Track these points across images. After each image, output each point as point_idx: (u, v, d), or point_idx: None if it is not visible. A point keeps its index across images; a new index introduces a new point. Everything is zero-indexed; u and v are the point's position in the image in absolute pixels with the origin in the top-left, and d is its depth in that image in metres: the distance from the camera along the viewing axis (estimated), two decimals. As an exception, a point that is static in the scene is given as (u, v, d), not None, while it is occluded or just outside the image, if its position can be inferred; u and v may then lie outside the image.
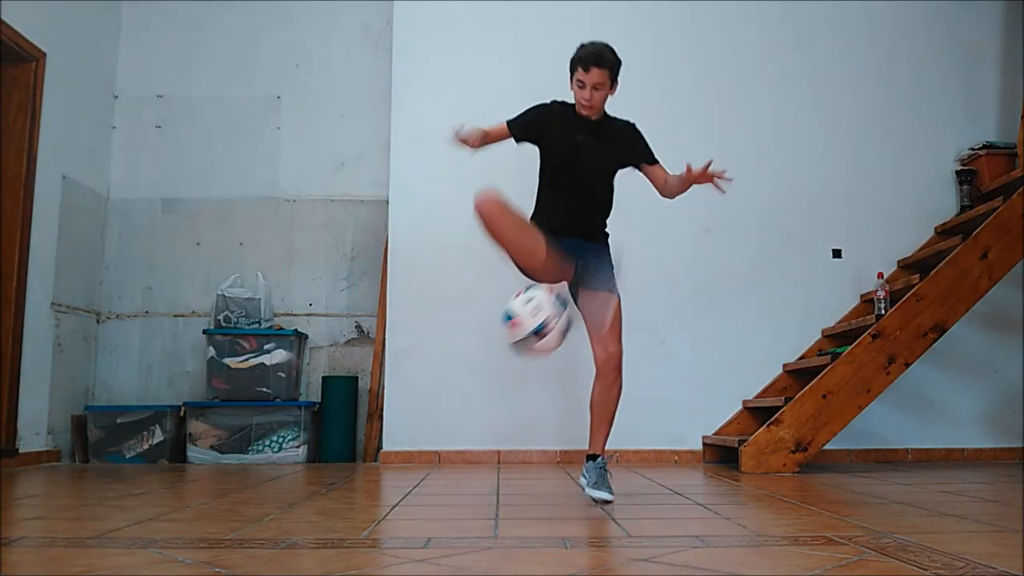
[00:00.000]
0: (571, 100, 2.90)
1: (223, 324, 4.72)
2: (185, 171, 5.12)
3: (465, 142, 2.80)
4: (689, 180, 2.75)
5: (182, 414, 4.62)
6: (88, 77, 4.92)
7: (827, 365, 3.94)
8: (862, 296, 4.64)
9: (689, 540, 1.97)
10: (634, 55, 4.78)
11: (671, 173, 2.92)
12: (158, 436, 4.58)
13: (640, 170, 2.97)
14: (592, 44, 2.80)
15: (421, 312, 4.58)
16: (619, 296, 2.83)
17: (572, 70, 2.82)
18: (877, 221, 4.75)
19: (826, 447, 4.04)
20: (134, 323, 5.00)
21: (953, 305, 3.95)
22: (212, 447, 4.56)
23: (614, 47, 2.83)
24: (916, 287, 3.98)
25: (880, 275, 4.35)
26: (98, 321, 4.98)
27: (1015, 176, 4.39)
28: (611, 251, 2.95)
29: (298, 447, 4.58)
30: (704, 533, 2.07)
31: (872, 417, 4.36)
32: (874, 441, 4.55)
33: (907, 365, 3.94)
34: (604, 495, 2.65)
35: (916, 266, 4.55)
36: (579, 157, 2.85)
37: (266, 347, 4.67)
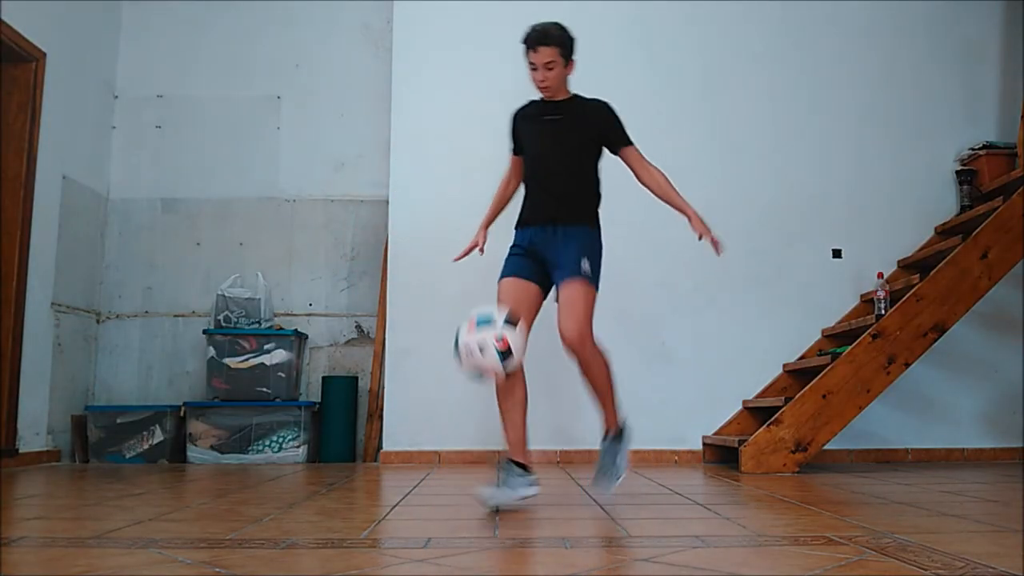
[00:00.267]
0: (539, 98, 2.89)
1: (223, 324, 4.72)
2: (185, 171, 5.12)
3: (474, 241, 3.04)
4: (692, 226, 2.85)
5: (182, 414, 4.62)
6: (88, 77, 4.92)
7: (827, 365, 3.93)
8: (862, 296, 4.64)
9: (689, 540, 1.97)
10: (634, 55, 4.83)
11: (656, 167, 2.89)
12: (158, 436, 4.58)
13: (615, 153, 2.88)
14: (539, 23, 2.77)
15: (421, 312, 4.58)
16: (587, 277, 2.73)
17: (525, 53, 2.78)
18: (877, 221, 4.75)
19: (826, 447, 4.04)
20: (134, 323, 5.00)
21: (953, 305, 3.95)
22: (212, 447, 4.56)
23: (563, 25, 2.78)
24: (916, 287, 3.98)
25: (880, 275, 4.35)
26: (98, 321, 4.98)
27: (1015, 176, 4.39)
28: (591, 236, 2.83)
29: (298, 447, 4.58)
30: (704, 533, 2.07)
31: (872, 417, 4.36)
32: (874, 441, 4.55)
33: (907, 365, 3.94)
34: (604, 485, 2.70)
35: (916, 266, 4.55)
36: (547, 135, 2.83)
37: (266, 347, 4.67)
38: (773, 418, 3.88)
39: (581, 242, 2.78)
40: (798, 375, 4.45)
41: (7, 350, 4.15)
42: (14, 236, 4.22)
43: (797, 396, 3.92)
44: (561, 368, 4.51)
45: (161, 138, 5.16)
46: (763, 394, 4.51)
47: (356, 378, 4.88)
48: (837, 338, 4.52)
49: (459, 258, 3.07)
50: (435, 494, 3.10)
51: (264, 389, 4.62)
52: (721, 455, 4.42)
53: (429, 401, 4.52)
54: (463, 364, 2.54)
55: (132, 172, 5.12)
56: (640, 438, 4.54)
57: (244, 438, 4.57)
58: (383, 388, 4.65)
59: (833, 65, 4.87)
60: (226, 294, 4.76)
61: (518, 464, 2.68)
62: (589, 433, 4.50)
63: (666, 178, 2.89)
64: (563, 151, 2.83)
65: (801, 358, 4.55)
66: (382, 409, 4.62)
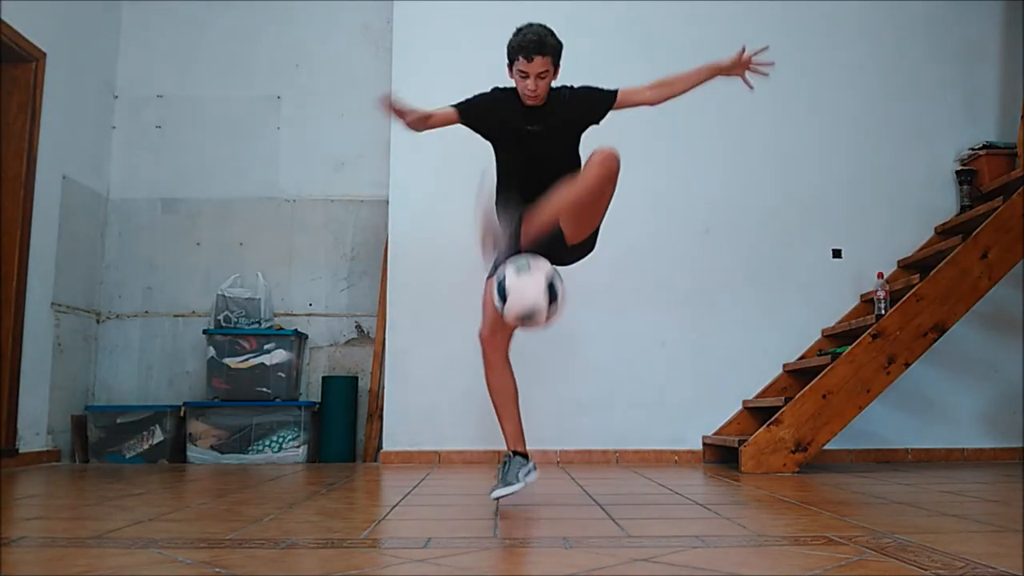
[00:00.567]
0: (510, 84, 2.77)
1: (223, 324, 4.72)
2: (185, 171, 5.12)
3: (401, 115, 2.65)
4: (727, 71, 2.69)
5: (182, 414, 4.62)
6: (88, 77, 4.92)
7: (827, 365, 3.93)
8: (862, 296, 4.64)
9: (689, 540, 1.97)
10: (633, 55, 4.82)
11: (646, 86, 2.80)
12: (158, 436, 4.58)
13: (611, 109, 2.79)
14: (531, 29, 2.63)
15: (421, 312, 4.58)
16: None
17: (511, 59, 2.65)
18: (877, 221, 4.75)
19: (826, 447, 4.04)
20: (134, 323, 5.00)
21: (953, 305, 3.95)
22: (212, 447, 4.56)
23: (552, 28, 2.66)
24: (916, 287, 3.98)
25: (880, 275, 4.35)
26: (98, 321, 4.98)
27: (1015, 176, 4.39)
28: None
29: (298, 447, 4.58)
30: (704, 533, 2.07)
31: (872, 417, 4.36)
32: (874, 441, 4.55)
33: (907, 365, 3.94)
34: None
35: (916, 266, 4.55)
36: (528, 148, 2.70)
37: (266, 347, 4.67)
38: (773, 418, 3.88)
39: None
40: (798, 375, 4.45)
41: (7, 350, 4.15)
42: (14, 236, 4.22)
43: (797, 396, 3.92)
44: (561, 368, 4.52)
45: (161, 138, 5.16)
46: (763, 394, 4.51)
47: (356, 378, 4.88)
48: (837, 338, 4.52)
49: (385, 106, 2.68)
50: (435, 494, 3.10)
51: (264, 389, 4.62)
52: (721, 455, 4.42)
53: (429, 401, 4.52)
54: (513, 308, 2.40)
55: (132, 172, 5.12)
56: (640, 438, 4.59)
57: (244, 438, 4.57)
58: (383, 388, 4.65)
59: (833, 65, 4.87)
60: (226, 294, 4.76)
61: (519, 454, 2.68)
62: (589, 433, 4.52)
63: (665, 80, 2.80)
64: (550, 155, 2.72)
65: (801, 358, 4.55)
66: (382, 409, 4.62)
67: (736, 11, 4.87)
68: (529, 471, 2.64)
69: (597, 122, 2.80)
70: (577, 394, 4.53)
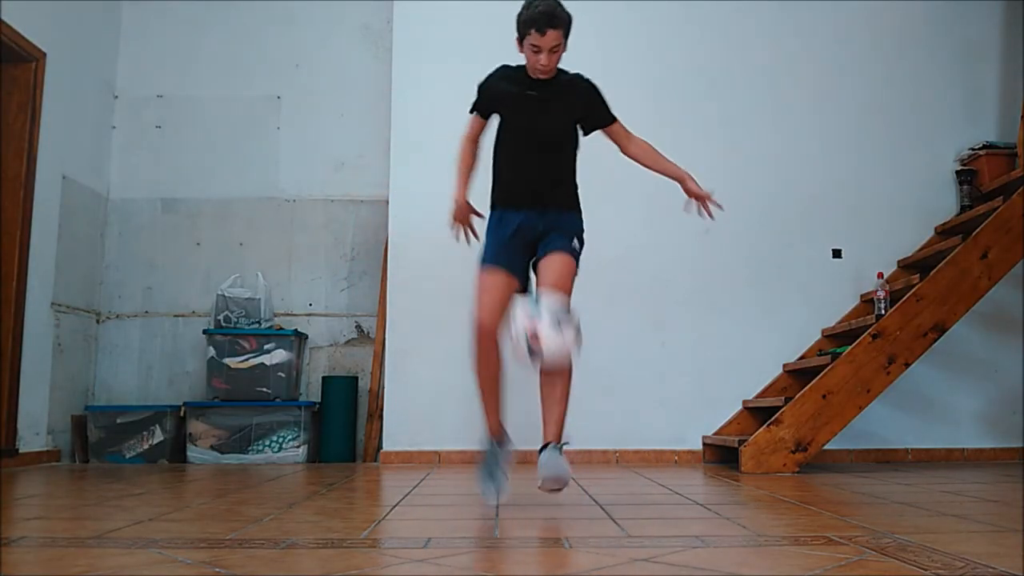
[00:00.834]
0: (516, 63, 2.78)
1: (223, 324, 4.72)
2: (185, 171, 5.12)
3: (461, 214, 2.83)
4: (685, 189, 2.81)
5: (182, 414, 4.62)
6: (88, 77, 4.92)
7: (827, 365, 3.93)
8: (862, 296, 4.64)
9: (689, 540, 1.97)
10: (633, 55, 4.83)
11: (639, 138, 2.85)
12: (158, 436, 4.58)
13: (598, 128, 2.83)
14: (543, 3, 2.58)
15: (421, 312, 4.58)
16: (574, 256, 2.70)
17: (522, 33, 2.61)
18: (877, 221, 4.75)
19: (826, 447, 4.04)
20: (134, 323, 5.00)
21: (953, 305, 3.95)
22: (212, 447, 4.56)
23: (559, 1, 2.63)
24: (916, 287, 3.98)
25: (880, 275, 4.35)
26: (98, 321, 4.98)
27: (1015, 176, 4.39)
28: (581, 223, 2.80)
29: (298, 447, 4.58)
30: (704, 533, 2.07)
31: (872, 417, 4.36)
32: (874, 441, 4.55)
33: (907, 365, 3.94)
34: (553, 473, 2.54)
35: (916, 266, 4.55)
36: (534, 114, 2.71)
37: (266, 347, 4.67)
38: (773, 418, 3.88)
39: (573, 225, 2.78)
40: (798, 375, 4.45)
41: (7, 350, 4.15)
42: (14, 236, 4.22)
43: (797, 396, 3.92)
44: (561, 368, 4.52)
45: (161, 138, 5.16)
46: (763, 394, 4.51)
47: (356, 378, 4.88)
48: (837, 338, 4.52)
49: (467, 233, 2.91)
50: (435, 494, 3.10)
51: (264, 389, 4.62)
52: (721, 455, 4.42)
53: (429, 401, 4.52)
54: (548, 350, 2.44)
55: (132, 172, 5.12)
56: (640, 438, 4.58)
57: (244, 438, 4.57)
58: (383, 388, 4.65)
59: (833, 65, 4.87)
60: (226, 294, 4.76)
61: (499, 443, 2.73)
62: (589, 433, 4.51)
63: (652, 147, 2.85)
64: (552, 131, 2.74)
65: (801, 358, 4.55)
66: (382, 409, 4.62)
67: (736, 11, 4.87)
68: (508, 457, 2.74)
69: (585, 131, 2.82)
70: (577, 394, 4.49)
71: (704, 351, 4.61)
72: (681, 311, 4.64)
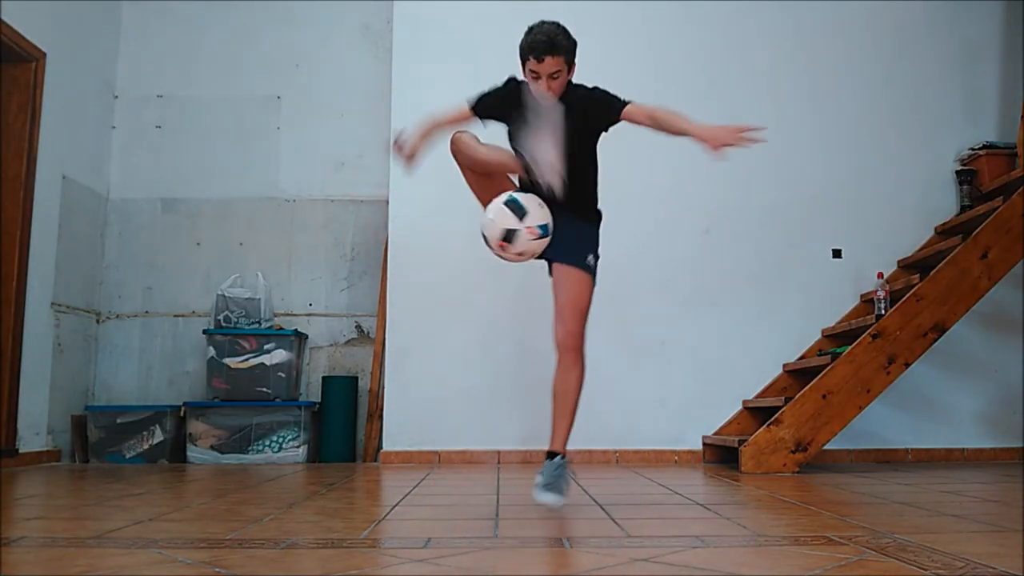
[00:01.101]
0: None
1: (223, 324, 4.72)
2: (185, 171, 5.12)
3: (411, 151, 2.74)
4: (709, 144, 2.71)
5: (182, 414, 4.62)
6: (88, 77, 4.92)
7: (827, 365, 3.93)
8: (862, 296, 4.64)
9: (689, 540, 1.97)
10: (633, 55, 4.83)
11: (651, 107, 2.73)
12: (158, 436, 4.58)
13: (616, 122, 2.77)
14: (541, 28, 2.55)
15: (421, 312, 4.58)
16: (590, 273, 2.69)
17: (523, 59, 2.59)
18: (877, 221, 4.75)
19: (826, 447, 4.04)
20: (134, 323, 5.00)
21: (953, 305, 3.95)
22: (212, 447, 4.56)
23: (565, 27, 2.60)
24: (916, 287, 3.98)
25: (880, 275, 4.35)
26: (98, 321, 4.98)
27: (1015, 176, 4.39)
28: (597, 235, 2.79)
29: (298, 447, 4.58)
30: (704, 533, 2.07)
31: (872, 417, 4.36)
32: (874, 441, 4.55)
33: (907, 365, 3.94)
34: (550, 498, 2.49)
35: (916, 266, 4.55)
36: (543, 142, 2.66)
37: (266, 347, 4.67)
38: (773, 418, 3.88)
39: (589, 235, 2.76)
40: (798, 375, 4.45)
41: (7, 350, 4.15)
42: (14, 236, 4.22)
43: (797, 396, 3.92)
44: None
45: (161, 138, 5.16)
46: (763, 394, 4.51)
47: (356, 378, 4.88)
48: (837, 338, 4.52)
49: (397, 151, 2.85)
50: (435, 494, 3.10)
51: (264, 389, 4.62)
52: (721, 455, 4.42)
53: (429, 401, 4.52)
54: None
55: (132, 172, 5.12)
56: (640, 438, 4.58)
57: (244, 438, 4.57)
58: (383, 388, 4.65)
59: (833, 65, 4.87)
60: (226, 294, 4.76)
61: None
62: (589, 433, 4.51)
63: (670, 113, 2.74)
64: (571, 153, 2.68)
65: (801, 358, 4.55)
66: (382, 409, 4.62)
67: (736, 11, 4.87)
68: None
69: (605, 129, 2.77)
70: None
71: (704, 351, 4.61)
72: (681, 311, 4.64)
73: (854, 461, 4.50)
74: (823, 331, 4.62)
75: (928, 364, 4.39)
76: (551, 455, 2.63)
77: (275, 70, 5.20)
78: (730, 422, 4.51)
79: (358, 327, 5.03)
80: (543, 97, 2.64)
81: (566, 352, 2.67)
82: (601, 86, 2.79)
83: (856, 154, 4.81)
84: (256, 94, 5.19)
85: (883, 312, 4.07)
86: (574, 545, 1.94)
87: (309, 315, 5.02)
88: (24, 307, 4.26)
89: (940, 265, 4.00)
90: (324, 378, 4.81)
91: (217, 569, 1.63)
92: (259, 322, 4.75)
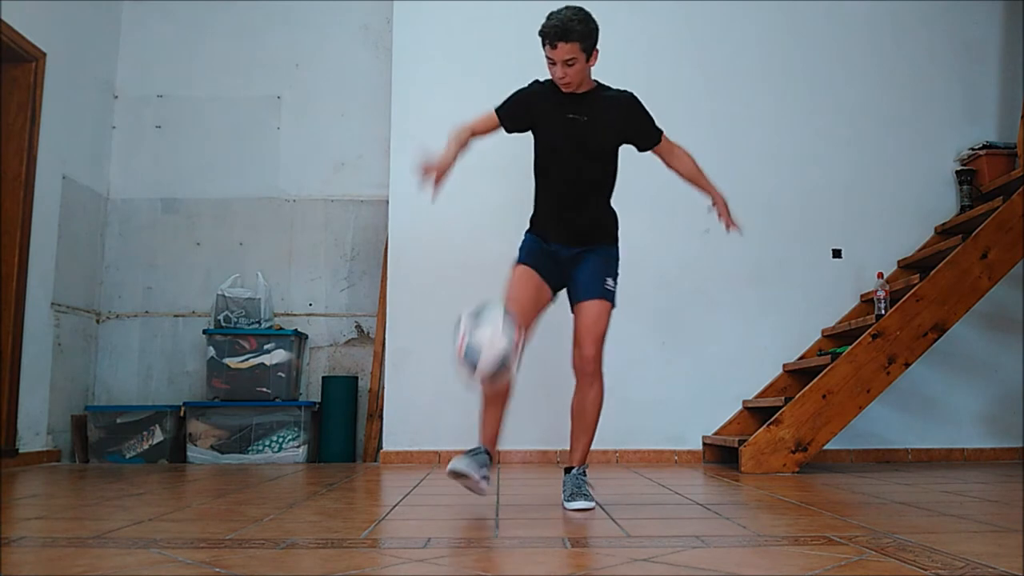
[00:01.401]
0: (546, 77, 2.71)
1: (223, 324, 4.72)
2: (185, 171, 5.12)
3: (436, 170, 2.61)
4: (714, 202, 2.85)
5: (182, 414, 4.62)
6: (88, 77, 4.92)
7: (827, 365, 3.93)
8: (862, 296, 4.64)
9: (689, 540, 1.97)
10: (633, 55, 4.82)
11: (680, 150, 2.83)
12: (158, 436, 4.58)
13: (646, 150, 2.81)
14: (558, 14, 2.51)
15: (421, 312, 4.58)
16: (609, 298, 2.69)
17: (542, 44, 2.55)
18: (877, 221, 4.75)
19: (826, 447, 4.04)
20: (134, 323, 5.00)
21: (953, 305, 3.95)
22: (212, 447, 4.56)
23: (587, 13, 2.55)
24: (916, 287, 3.98)
25: (880, 275, 4.35)
26: (98, 321, 4.98)
27: (1015, 176, 4.39)
28: (616, 255, 2.78)
29: (298, 447, 4.58)
30: (704, 533, 2.07)
31: (872, 417, 4.37)
32: (874, 441, 4.55)
33: (907, 365, 3.94)
34: (580, 504, 2.55)
35: (916, 266, 4.55)
36: (570, 138, 2.62)
37: (266, 347, 4.67)
38: (773, 418, 3.88)
39: (607, 260, 2.74)
40: (798, 375, 4.45)
41: (7, 350, 4.15)
42: (14, 236, 4.22)
43: (797, 396, 3.92)
44: (561, 368, 4.51)
45: (161, 138, 5.16)
46: (763, 394, 4.51)
47: (356, 378, 4.88)
48: (837, 338, 4.52)
49: (433, 183, 2.66)
50: (435, 494, 3.10)
51: (264, 389, 4.62)
52: (721, 455, 4.42)
53: (429, 401, 4.52)
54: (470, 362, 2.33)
55: (132, 172, 5.13)
56: (640, 438, 4.58)
57: (244, 438, 4.57)
58: (383, 388, 4.65)
59: (833, 65, 4.87)
60: (226, 294, 4.77)
61: (489, 454, 2.69)
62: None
63: (693, 160, 2.85)
64: (587, 157, 2.65)
65: (801, 358, 4.55)
66: (382, 409, 4.62)
67: (736, 11, 4.87)
68: (488, 472, 2.68)
69: (639, 148, 2.80)
70: (577, 394, 4.52)
71: (704, 351, 4.61)
72: (681, 311, 4.64)
73: (854, 461, 4.50)
74: (823, 331, 4.62)
75: (928, 364, 4.40)
76: (569, 470, 2.71)
77: (275, 70, 5.20)
78: (730, 422, 4.51)
79: (358, 327, 5.03)
80: (560, 84, 2.59)
81: (584, 376, 2.73)
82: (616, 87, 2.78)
83: (856, 154, 4.81)
84: (256, 94, 5.19)
85: (883, 312, 4.07)
86: (574, 545, 1.94)
87: (309, 315, 5.03)
88: (24, 307, 4.26)
89: (940, 265, 4.00)
90: (324, 378, 4.81)
91: (217, 569, 1.63)
92: (259, 322, 4.75)
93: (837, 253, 4.73)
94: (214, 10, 5.24)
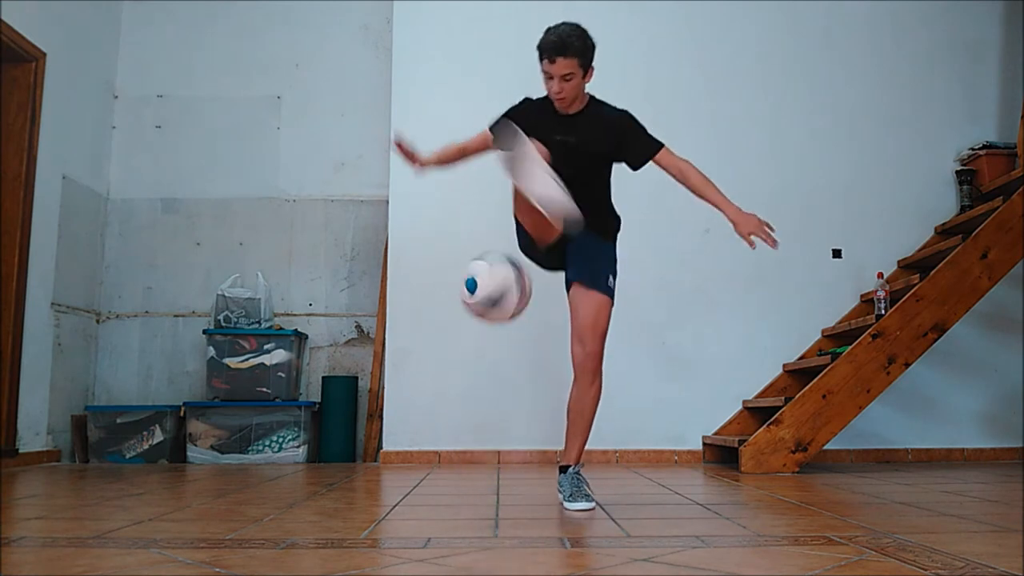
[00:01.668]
0: (538, 95, 2.72)
1: (223, 324, 4.72)
2: (185, 171, 5.12)
3: (410, 157, 2.65)
4: (737, 231, 2.59)
5: (182, 414, 4.62)
6: (88, 77, 4.92)
7: (827, 365, 3.93)
8: (862, 296, 4.64)
9: (689, 540, 1.97)
10: (633, 55, 4.83)
11: (684, 162, 2.71)
12: (158, 436, 4.58)
13: (643, 164, 2.75)
14: (556, 30, 2.54)
15: (421, 312, 4.58)
16: (610, 295, 2.67)
17: (539, 59, 2.56)
18: (877, 221, 4.75)
19: (826, 447, 4.04)
20: (134, 323, 5.00)
21: (953, 305, 3.95)
22: (212, 447, 4.56)
23: (584, 29, 2.57)
24: (916, 287, 3.98)
25: (880, 275, 4.35)
26: (98, 321, 4.98)
27: (1015, 176, 4.39)
28: (614, 254, 2.77)
29: (298, 447, 4.58)
30: (704, 533, 2.07)
31: (872, 417, 4.37)
32: (874, 441, 4.55)
33: (907, 365, 3.94)
34: (582, 504, 2.55)
35: (916, 266, 4.55)
36: (558, 159, 2.49)
37: (266, 347, 4.67)
38: (773, 418, 3.88)
39: (608, 257, 2.74)
40: (798, 375, 4.45)
41: (7, 350, 4.15)
42: (14, 236, 4.22)
43: (797, 396, 3.92)
44: (560, 369, 4.51)
45: (161, 138, 5.16)
46: (763, 394, 4.51)
47: (356, 378, 4.88)
48: (837, 338, 4.52)
49: (406, 157, 2.75)
50: (435, 494, 3.10)
51: (264, 389, 4.62)
52: (721, 455, 4.42)
53: (429, 401, 4.52)
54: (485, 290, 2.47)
55: (132, 172, 5.13)
56: (640, 438, 4.58)
57: (244, 438, 4.57)
58: (383, 388, 4.65)
59: (833, 65, 4.87)
60: (226, 294, 4.77)
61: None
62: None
63: (702, 176, 2.70)
64: (576, 178, 2.54)
65: (801, 358, 4.55)
66: (382, 409, 4.62)
67: (736, 11, 4.87)
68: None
69: (632, 166, 2.74)
70: (577, 394, 4.52)
71: (704, 351, 4.61)
72: (681, 311, 4.64)
73: (854, 461, 4.50)
74: (823, 331, 4.62)
75: (928, 364, 4.39)
76: (564, 469, 2.70)
77: (275, 70, 5.20)
78: (730, 422, 4.51)
79: (358, 327, 5.03)
80: (556, 100, 2.60)
81: (585, 373, 2.71)
82: (604, 94, 2.77)
83: (856, 154, 4.81)
84: (256, 94, 5.19)
85: (883, 312, 4.07)
86: (574, 545, 1.94)
87: (309, 315, 5.03)
88: (24, 307, 4.26)
89: (940, 265, 4.00)
90: (324, 378, 4.81)
91: (217, 569, 1.63)
92: (259, 322, 4.75)
93: (837, 253, 4.73)
94: (214, 10, 5.24)
